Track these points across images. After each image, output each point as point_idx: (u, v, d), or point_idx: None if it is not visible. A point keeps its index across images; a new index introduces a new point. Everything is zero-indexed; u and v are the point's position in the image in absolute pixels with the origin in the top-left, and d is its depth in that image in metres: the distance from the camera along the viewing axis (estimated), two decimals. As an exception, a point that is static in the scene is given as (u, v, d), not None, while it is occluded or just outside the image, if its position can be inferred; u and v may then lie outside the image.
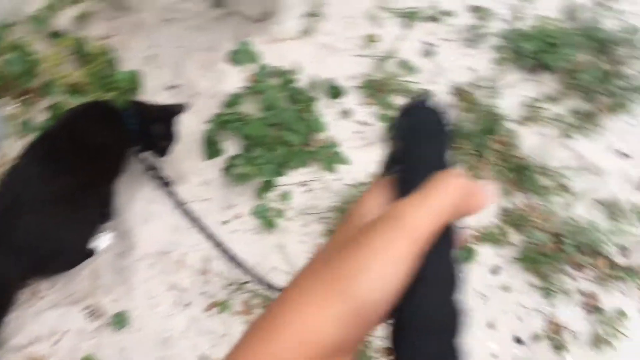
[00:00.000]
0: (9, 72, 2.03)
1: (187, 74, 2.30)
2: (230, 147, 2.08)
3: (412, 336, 0.40)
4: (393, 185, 0.44)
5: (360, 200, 0.45)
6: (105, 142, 1.74)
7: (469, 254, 1.93)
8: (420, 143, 0.46)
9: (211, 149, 2.05)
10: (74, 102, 2.04)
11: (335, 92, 2.25)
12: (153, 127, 1.80)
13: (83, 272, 1.77)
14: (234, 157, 1.97)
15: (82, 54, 2.23)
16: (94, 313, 1.70)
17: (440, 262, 0.42)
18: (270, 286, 1.71)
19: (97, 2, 2.50)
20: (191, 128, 2.12)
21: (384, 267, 0.38)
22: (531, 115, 2.30)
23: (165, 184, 1.93)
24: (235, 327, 1.71)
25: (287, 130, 2.07)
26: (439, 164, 0.44)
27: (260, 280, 1.73)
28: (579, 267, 1.96)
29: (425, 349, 0.39)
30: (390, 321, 0.41)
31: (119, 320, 1.66)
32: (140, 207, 1.91)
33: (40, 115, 2.07)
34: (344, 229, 0.44)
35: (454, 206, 0.41)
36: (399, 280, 0.39)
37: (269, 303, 0.42)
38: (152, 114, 1.84)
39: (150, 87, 2.23)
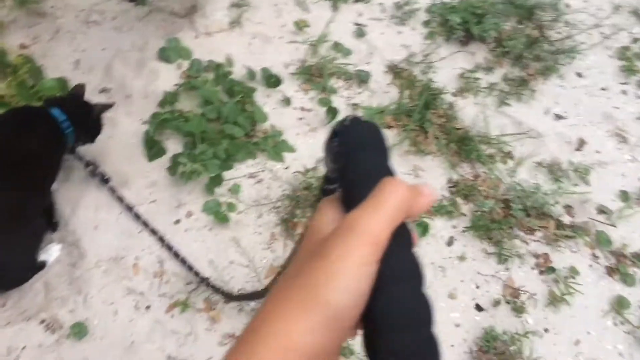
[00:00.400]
0: None
1: (117, 75, 2.21)
2: (173, 146, 2.02)
3: (387, 334, 0.41)
4: (341, 201, 0.47)
5: (314, 218, 0.48)
6: (36, 145, 1.65)
7: (423, 229, 1.94)
8: (357, 157, 0.48)
9: (153, 149, 1.98)
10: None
11: (272, 81, 2.21)
12: (93, 113, 1.77)
13: (36, 286, 1.68)
14: (177, 156, 1.91)
15: (3, 65, 2.10)
16: (51, 326, 1.62)
17: (402, 260, 0.44)
18: (213, 287, 1.67)
19: (9, 11, 2.37)
20: (130, 130, 2.04)
21: (349, 273, 0.41)
22: (467, 86, 2.34)
23: (104, 180, 1.86)
24: (199, 324, 1.66)
25: (229, 123, 2.02)
26: (381, 172, 0.46)
27: (205, 282, 1.69)
28: (529, 230, 2.01)
29: (402, 344, 0.40)
30: (363, 328, 0.43)
31: (78, 331, 1.59)
32: (87, 214, 1.83)
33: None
34: (305, 246, 0.46)
35: (404, 207, 0.43)
36: (365, 282, 0.41)
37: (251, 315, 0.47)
38: (77, 105, 1.78)
39: (80, 93, 2.13)
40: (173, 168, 1.90)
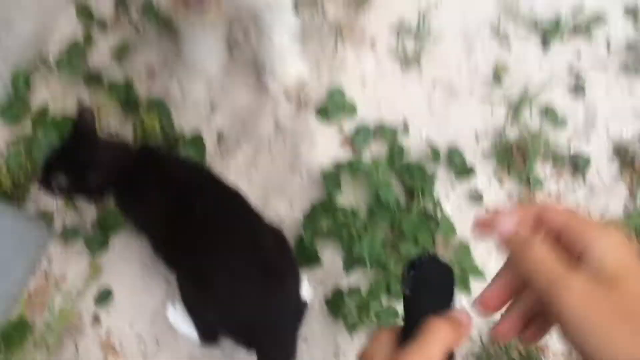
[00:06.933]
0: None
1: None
2: (330, 255, 1.59)
3: None
4: (398, 333, 0.50)
5: (370, 347, 0.50)
6: None
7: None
8: (421, 298, 0.52)
9: (305, 255, 1.56)
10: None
11: (463, 168, 1.68)
12: None
13: None
14: (339, 295, 1.48)
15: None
16: None
17: None
18: None
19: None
20: (286, 219, 1.63)
21: None
22: None
23: None
24: None
25: (407, 241, 1.55)
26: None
27: None
28: None
29: None
30: None
31: None
32: None
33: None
34: None
35: (448, 344, 0.47)
36: None
37: None
38: None
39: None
40: (334, 305, 1.49)
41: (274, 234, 1.37)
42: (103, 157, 1.27)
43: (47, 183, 1.26)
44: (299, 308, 1.34)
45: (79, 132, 1.28)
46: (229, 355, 1.48)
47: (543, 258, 0.42)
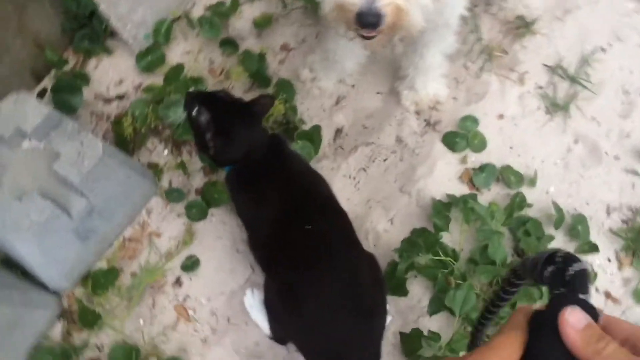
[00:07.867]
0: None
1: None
2: (418, 289, 1.52)
3: None
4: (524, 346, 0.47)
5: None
6: None
7: None
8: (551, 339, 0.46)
9: (395, 282, 1.50)
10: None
11: (583, 238, 1.54)
12: None
13: None
14: (416, 335, 1.42)
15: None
16: None
17: None
18: None
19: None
20: (383, 236, 1.58)
21: None
22: None
23: None
24: None
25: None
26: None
27: None
28: None
29: None
30: None
31: None
32: None
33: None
34: None
35: None
36: None
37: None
38: None
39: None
40: (409, 344, 1.42)
41: (370, 264, 1.31)
42: (252, 136, 1.29)
43: (192, 104, 1.27)
44: (379, 341, 1.29)
45: (251, 107, 1.30)
46: (293, 350, 1.46)
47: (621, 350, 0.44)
